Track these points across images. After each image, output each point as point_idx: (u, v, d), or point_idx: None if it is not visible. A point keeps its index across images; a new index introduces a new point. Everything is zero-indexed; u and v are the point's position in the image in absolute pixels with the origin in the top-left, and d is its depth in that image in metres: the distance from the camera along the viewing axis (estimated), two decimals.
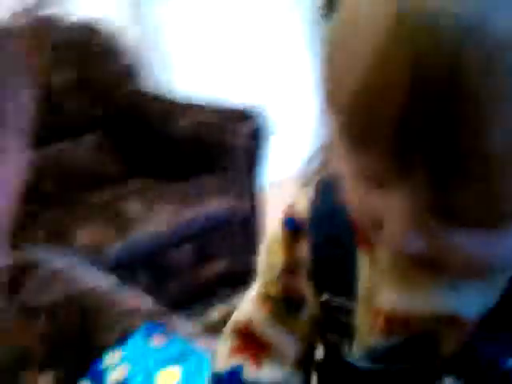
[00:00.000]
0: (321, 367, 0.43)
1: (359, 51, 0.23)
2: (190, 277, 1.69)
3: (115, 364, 0.71)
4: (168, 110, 1.91)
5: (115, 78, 2.03)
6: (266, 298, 0.42)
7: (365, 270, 0.36)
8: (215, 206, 1.70)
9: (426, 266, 0.29)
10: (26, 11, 2.09)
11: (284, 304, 0.41)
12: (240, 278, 1.81)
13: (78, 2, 2.10)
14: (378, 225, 0.28)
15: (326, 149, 0.42)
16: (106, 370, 0.70)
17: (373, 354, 0.36)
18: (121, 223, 1.59)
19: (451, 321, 0.33)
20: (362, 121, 0.24)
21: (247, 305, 0.44)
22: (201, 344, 0.70)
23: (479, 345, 0.32)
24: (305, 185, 0.43)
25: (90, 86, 2.00)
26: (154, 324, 0.77)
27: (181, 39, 2.31)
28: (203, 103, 1.85)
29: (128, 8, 2.27)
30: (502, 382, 0.33)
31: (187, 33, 2.32)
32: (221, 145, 1.73)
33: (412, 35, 0.21)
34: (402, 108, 0.22)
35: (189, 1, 2.30)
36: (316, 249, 0.38)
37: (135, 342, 0.74)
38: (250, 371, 0.42)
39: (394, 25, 0.22)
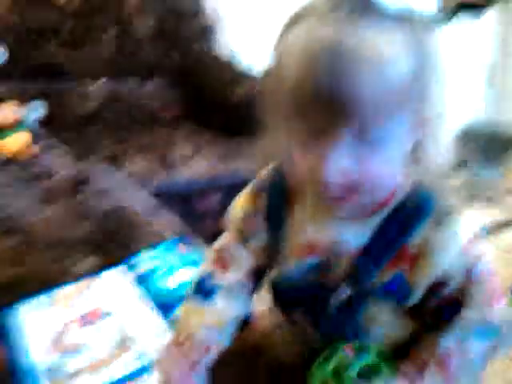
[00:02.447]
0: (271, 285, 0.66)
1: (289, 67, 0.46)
2: (209, 224, 1.91)
3: (147, 258, 0.95)
4: (228, 75, 2.12)
5: (192, 35, 2.26)
6: (234, 230, 0.66)
7: (296, 215, 0.59)
8: (247, 166, 1.91)
9: (333, 201, 0.51)
10: None
11: (244, 234, 0.64)
12: None
13: None
14: (311, 174, 0.49)
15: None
16: (139, 261, 0.95)
17: (293, 273, 0.59)
18: (166, 161, 1.83)
19: (341, 248, 0.55)
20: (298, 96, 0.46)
21: (223, 237, 0.68)
22: None
23: (360, 266, 0.54)
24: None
25: (168, 37, 2.23)
26: (182, 236, 1.01)
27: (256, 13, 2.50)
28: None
29: None
30: (368, 293, 0.54)
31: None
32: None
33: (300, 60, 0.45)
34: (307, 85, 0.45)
35: None
36: (270, 200, 0.62)
37: (166, 246, 0.98)
38: (218, 275, 0.65)
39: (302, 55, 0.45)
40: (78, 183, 1.44)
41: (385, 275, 0.54)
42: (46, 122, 1.90)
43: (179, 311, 0.69)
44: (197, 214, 1.92)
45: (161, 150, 1.89)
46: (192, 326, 0.63)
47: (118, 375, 0.67)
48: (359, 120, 0.45)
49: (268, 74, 0.50)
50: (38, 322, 0.79)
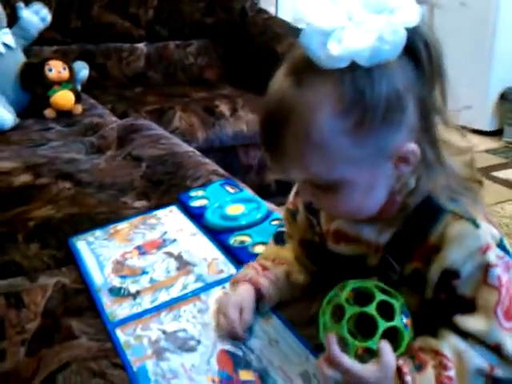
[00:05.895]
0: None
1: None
2: (252, 177, 1.92)
3: (198, 197, 0.97)
4: (271, 31, 2.11)
5: None
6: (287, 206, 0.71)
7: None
8: None
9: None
10: None
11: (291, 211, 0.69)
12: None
13: None
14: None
15: None
16: (190, 199, 0.96)
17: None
18: (209, 117, 1.84)
19: (368, 242, 0.57)
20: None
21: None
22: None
23: (385, 262, 0.56)
24: None
25: None
26: (229, 179, 1.02)
27: None
28: None
29: None
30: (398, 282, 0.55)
31: None
32: None
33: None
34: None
35: None
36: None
37: (214, 186, 0.99)
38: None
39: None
40: (124, 135, 1.46)
41: (406, 270, 0.55)
42: (90, 83, 1.94)
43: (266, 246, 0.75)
44: (241, 167, 1.93)
45: (204, 107, 1.89)
46: (272, 253, 0.71)
47: (178, 294, 0.70)
48: (300, 170, 0.51)
49: None
50: (96, 252, 0.82)
